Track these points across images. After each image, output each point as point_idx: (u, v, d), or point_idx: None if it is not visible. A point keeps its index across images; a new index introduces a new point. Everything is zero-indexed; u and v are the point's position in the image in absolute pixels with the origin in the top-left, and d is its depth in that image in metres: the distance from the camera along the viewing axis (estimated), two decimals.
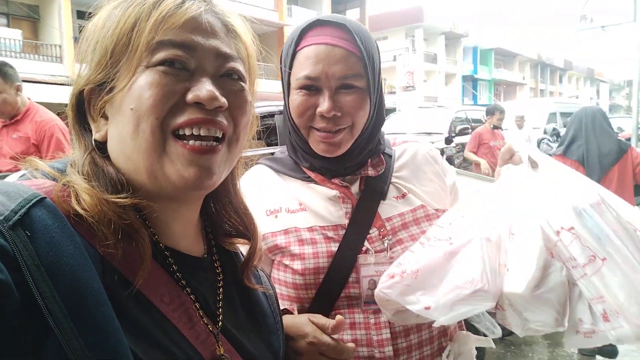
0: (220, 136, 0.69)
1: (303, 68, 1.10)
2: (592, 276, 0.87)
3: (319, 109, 1.09)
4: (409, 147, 1.32)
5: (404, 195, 1.21)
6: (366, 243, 1.14)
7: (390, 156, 1.27)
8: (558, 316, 0.93)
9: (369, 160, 1.23)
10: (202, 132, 0.66)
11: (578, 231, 0.88)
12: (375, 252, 1.13)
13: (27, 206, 0.55)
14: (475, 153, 7.72)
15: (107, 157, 0.69)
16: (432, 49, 38.38)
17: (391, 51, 34.58)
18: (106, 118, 0.69)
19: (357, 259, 1.11)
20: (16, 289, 0.50)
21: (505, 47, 45.63)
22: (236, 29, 0.74)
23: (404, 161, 1.28)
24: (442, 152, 10.37)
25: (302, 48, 1.12)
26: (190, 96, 0.65)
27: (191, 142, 0.65)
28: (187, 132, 0.66)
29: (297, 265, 1.12)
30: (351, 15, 34.06)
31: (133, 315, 0.61)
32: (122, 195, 0.64)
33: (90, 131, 0.70)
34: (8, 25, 19.20)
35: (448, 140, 10.59)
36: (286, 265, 1.15)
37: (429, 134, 10.70)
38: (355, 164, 1.20)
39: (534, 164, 1.01)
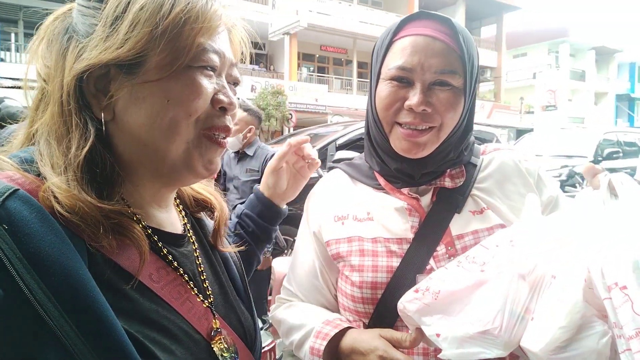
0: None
1: (397, 58, 1.02)
2: (636, 354, 0.66)
3: (407, 102, 1.00)
4: (497, 155, 1.16)
5: (482, 211, 1.06)
6: (431, 261, 1.01)
7: (475, 166, 1.12)
8: None
9: (448, 170, 1.10)
10: (222, 135, 0.75)
11: (632, 293, 0.68)
12: None
13: (1, 199, 0.54)
14: None
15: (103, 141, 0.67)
16: (580, 65, 35.02)
17: (530, 68, 32.35)
18: (111, 97, 0.66)
19: (416, 279, 0.97)
20: (1, 284, 0.50)
21: None
22: (233, 37, 0.79)
23: (490, 171, 1.12)
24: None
25: (399, 38, 1.05)
26: (219, 102, 0.73)
27: (216, 136, 0.74)
28: (211, 133, 0.73)
29: (355, 277, 1.05)
30: (487, 32, 32.74)
31: (124, 296, 0.63)
32: (108, 203, 0.63)
33: (86, 119, 0.66)
34: None
35: None
36: (347, 276, 1.08)
37: (570, 157, 9.71)
38: (431, 173, 1.09)
39: (614, 192, 0.80)
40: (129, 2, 0.66)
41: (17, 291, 0.51)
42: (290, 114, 18.66)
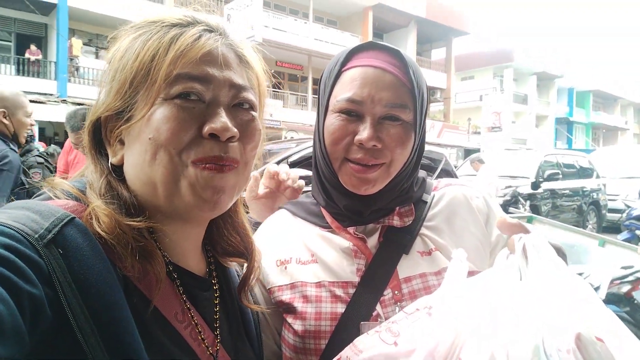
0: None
1: (347, 90, 0.97)
2: None
3: (357, 137, 0.95)
4: (448, 190, 1.11)
5: (430, 252, 1.01)
6: (378, 307, 0.95)
7: (426, 203, 1.08)
8: None
9: (397, 208, 1.06)
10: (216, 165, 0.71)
11: None
12: (387, 319, 0.92)
13: (60, 225, 0.58)
14: None
15: (122, 180, 0.72)
16: (522, 90, 36.86)
17: (477, 91, 33.74)
18: (122, 143, 0.72)
19: (360, 328, 0.92)
20: (48, 304, 0.53)
21: (605, 89, 42.67)
22: (248, 59, 0.78)
23: (440, 208, 1.08)
24: (528, 197, 9.71)
25: (348, 69, 1.00)
26: (205, 129, 0.68)
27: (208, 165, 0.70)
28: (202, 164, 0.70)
29: (297, 325, 0.98)
30: (437, 55, 33.90)
31: (152, 332, 0.65)
32: (137, 219, 0.67)
33: (106, 155, 0.74)
34: None
35: (535, 186, 9.93)
36: (289, 325, 1.00)
37: (514, 177, 10.11)
38: (380, 211, 1.04)
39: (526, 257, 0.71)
40: (120, 57, 0.71)
41: (60, 314, 0.54)
42: None
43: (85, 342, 0.54)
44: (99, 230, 0.63)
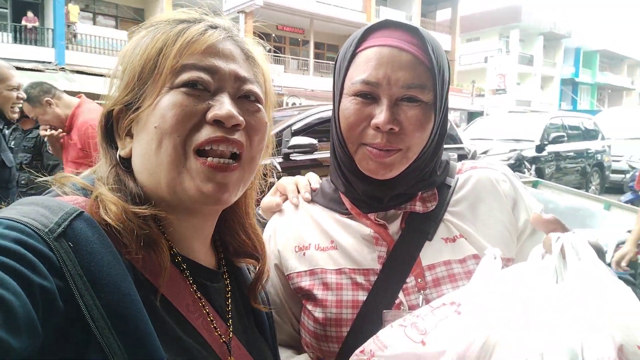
0: (237, 152, 0.73)
1: (361, 71, 0.93)
2: None
3: (374, 121, 0.92)
4: (473, 174, 1.07)
5: (454, 239, 0.99)
6: (401, 295, 0.94)
7: (450, 187, 1.05)
8: None
9: (419, 193, 1.02)
10: (221, 148, 0.71)
11: None
12: (410, 307, 0.93)
13: (69, 219, 0.59)
14: None
15: (130, 172, 0.74)
16: (529, 51, 36.14)
17: (482, 52, 33.10)
18: (131, 137, 0.74)
19: (383, 316, 0.91)
20: (60, 297, 0.54)
21: (612, 49, 41.78)
22: (254, 56, 0.80)
23: (464, 193, 1.04)
24: (533, 161, 9.67)
25: (363, 49, 0.96)
26: (210, 115, 0.70)
27: (210, 159, 0.70)
28: (207, 147, 0.70)
29: (318, 313, 0.97)
30: (442, 16, 33.07)
31: (164, 322, 0.66)
32: (142, 207, 0.68)
33: (116, 148, 0.76)
34: (116, 27, 20.99)
35: (539, 149, 9.87)
36: (309, 311, 1.00)
37: (518, 140, 10.04)
38: (401, 196, 1.01)
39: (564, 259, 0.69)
40: (130, 53, 0.74)
41: (73, 307, 0.55)
42: None
43: (99, 333, 0.55)
44: (105, 217, 0.64)
